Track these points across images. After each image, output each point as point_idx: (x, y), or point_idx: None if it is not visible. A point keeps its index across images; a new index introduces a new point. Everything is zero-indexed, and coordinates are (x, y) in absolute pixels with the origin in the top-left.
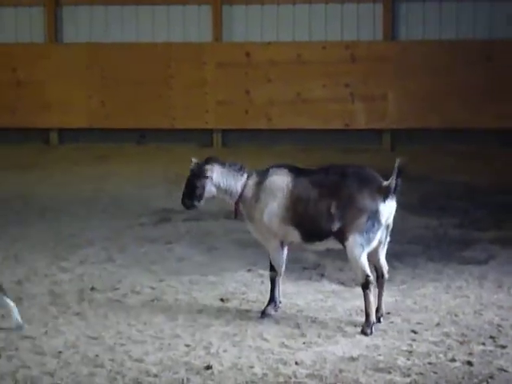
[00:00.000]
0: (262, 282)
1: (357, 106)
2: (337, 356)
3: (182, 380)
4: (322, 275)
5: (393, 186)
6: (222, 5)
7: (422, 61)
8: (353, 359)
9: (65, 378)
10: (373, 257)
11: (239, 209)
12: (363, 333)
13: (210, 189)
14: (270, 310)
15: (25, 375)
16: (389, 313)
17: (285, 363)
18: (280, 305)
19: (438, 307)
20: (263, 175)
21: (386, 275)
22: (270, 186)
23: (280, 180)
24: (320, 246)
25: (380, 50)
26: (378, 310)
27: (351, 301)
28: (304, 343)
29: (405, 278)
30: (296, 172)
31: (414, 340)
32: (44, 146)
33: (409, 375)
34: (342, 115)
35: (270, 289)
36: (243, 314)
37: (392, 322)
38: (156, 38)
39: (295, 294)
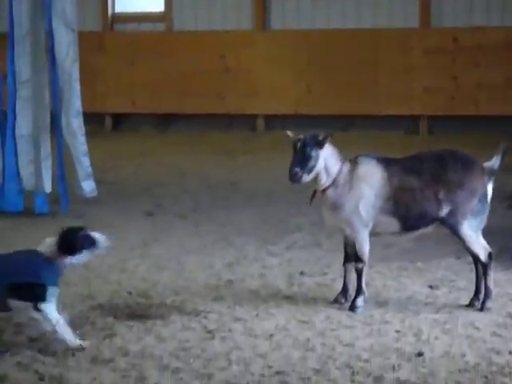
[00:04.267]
0: (471, 270)
1: None
2: None
3: (394, 366)
4: None
5: (496, 166)
6: None
7: None
8: None
9: (277, 360)
10: None
11: (328, 195)
12: (484, 308)
13: (321, 162)
14: (361, 302)
15: (238, 356)
16: None
17: (498, 353)
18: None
19: None
20: (354, 163)
21: None
22: (365, 175)
23: (373, 169)
24: (419, 233)
25: None
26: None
27: None
28: None
29: None
30: (387, 161)
31: None
32: (251, 132)
33: None
34: None
35: (357, 281)
36: (453, 302)
37: None
38: (361, 23)
39: (506, 282)
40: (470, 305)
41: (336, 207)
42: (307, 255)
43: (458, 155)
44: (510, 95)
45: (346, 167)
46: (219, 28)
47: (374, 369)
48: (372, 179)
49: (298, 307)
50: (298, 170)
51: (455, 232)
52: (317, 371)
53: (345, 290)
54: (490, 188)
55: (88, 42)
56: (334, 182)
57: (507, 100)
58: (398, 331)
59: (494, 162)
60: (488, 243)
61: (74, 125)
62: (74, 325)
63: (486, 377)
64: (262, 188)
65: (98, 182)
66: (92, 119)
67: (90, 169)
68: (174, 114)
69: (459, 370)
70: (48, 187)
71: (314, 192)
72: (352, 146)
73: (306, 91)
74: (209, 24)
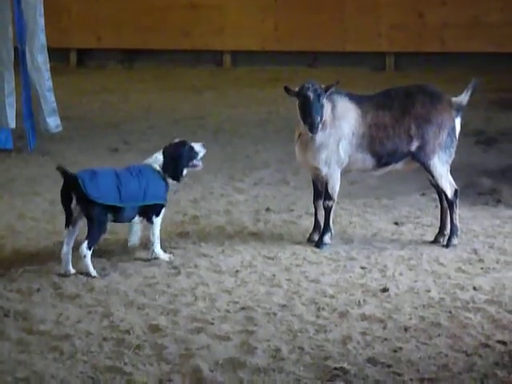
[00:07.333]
0: (436, 207)
1: None
2: None
3: (359, 301)
4: (499, 201)
5: (465, 102)
6: None
7: None
8: None
9: (242, 296)
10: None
11: (316, 138)
12: (450, 245)
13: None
14: (328, 240)
15: (203, 292)
16: None
17: (462, 288)
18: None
19: None
20: (331, 102)
21: None
22: (343, 114)
23: (348, 107)
24: (389, 169)
25: None
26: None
27: None
28: (482, 269)
29: None
30: (358, 98)
31: None
32: (217, 68)
33: None
34: None
35: (324, 218)
36: (418, 238)
37: None
38: None
39: (471, 219)
40: (435, 241)
41: (321, 148)
42: (273, 192)
43: (426, 90)
44: (475, 33)
45: (329, 107)
46: None
47: (339, 304)
48: (349, 117)
49: (263, 243)
50: (319, 120)
51: (425, 166)
52: (282, 307)
53: (317, 226)
54: (458, 122)
55: None
56: (323, 124)
57: (472, 37)
58: (363, 267)
59: (463, 98)
60: (453, 179)
61: (39, 60)
62: (39, 260)
63: (450, 312)
64: (229, 124)
65: (63, 118)
66: (57, 55)
67: (54, 104)
68: (139, 50)
69: (424, 306)
70: (12, 123)
71: (299, 135)
72: (318, 81)
73: (272, 28)
74: None
